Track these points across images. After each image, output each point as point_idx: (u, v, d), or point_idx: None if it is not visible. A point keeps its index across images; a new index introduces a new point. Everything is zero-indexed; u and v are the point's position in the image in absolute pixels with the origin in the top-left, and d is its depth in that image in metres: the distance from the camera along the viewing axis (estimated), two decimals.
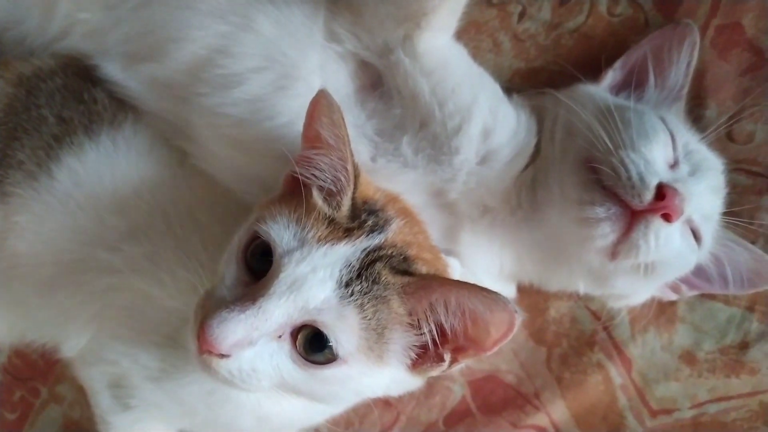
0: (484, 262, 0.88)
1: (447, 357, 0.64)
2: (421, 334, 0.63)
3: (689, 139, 0.85)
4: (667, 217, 0.73)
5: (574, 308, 0.99)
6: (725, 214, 0.88)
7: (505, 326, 0.60)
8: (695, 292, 0.90)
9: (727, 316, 0.96)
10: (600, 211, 0.74)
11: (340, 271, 0.61)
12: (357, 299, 0.60)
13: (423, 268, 0.65)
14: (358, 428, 0.97)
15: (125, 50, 0.85)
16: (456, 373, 0.99)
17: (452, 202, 0.82)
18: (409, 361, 0.65)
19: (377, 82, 0.84)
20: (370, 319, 0.61)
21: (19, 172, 0.84)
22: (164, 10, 0.83)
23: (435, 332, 0.63)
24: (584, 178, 0.78)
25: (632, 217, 0.74)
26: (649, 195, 0.73)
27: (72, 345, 0.84)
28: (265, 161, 0.81)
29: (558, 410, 0.99)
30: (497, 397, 1.00)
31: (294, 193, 0.67)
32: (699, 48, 0.93)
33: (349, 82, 0.83)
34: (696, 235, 0.80)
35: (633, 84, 0.92)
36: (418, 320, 0.63)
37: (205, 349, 0.60)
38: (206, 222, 0.82)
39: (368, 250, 0.63)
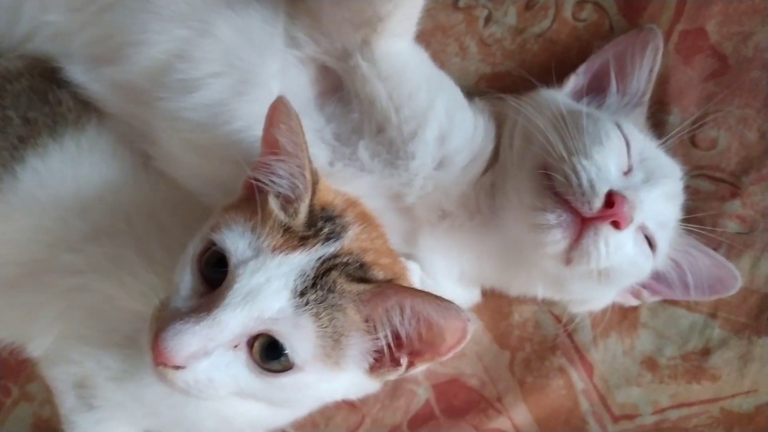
0: (445, 266, 0.88)
1: (403, 361, 0.65)
2: (378, 339, 0.64)
3: (645, 145, 0.85)
4: (616, 225, 0.73)
5: (538, 313, 0.99)
6: (687, 220, 0.89)
7: (458, 333, 0.61)
8: (657, 298, 0.91)
9: (690, 322, 0.96)
10: (551, 218, 0.75)
11: (295, 280, 0.61)
12: (312, 308, 0.61)
13: (380, 274, 0.65)
14: (324, 430, 0.97)
15: (89, 53, 0.86)
16: (420, 377, 1.00)
17: (410, 207, 0.83)
18: (366, 366, 0.66)
19: (338, 86, 0.84)
20: (326, 327, 0.61)
21: None
22: (126, 14, 0.83)
23: (390, 338, 0.64)
24: (538, 185, 0.79)
25: (582, 224, 0.75)
26: (598, 202, 0.74)
27: (37, 345, 0.84)
28: (224, 165, 0.82)
29: (520, 414, 0.99)
30: (460, 401, 1.00)
31: (251, 200, 0.68)
32: (663, 53, 0.94)
33: (309, 86, 0.83)
34: (651, 242, 0.81)
35: (595, 89, 0.93)
36: (374, 326, 0.64)
37: (160, 361, 0.60)
38: (169, 224, 0.83)
39: (324, 258, 0.63)
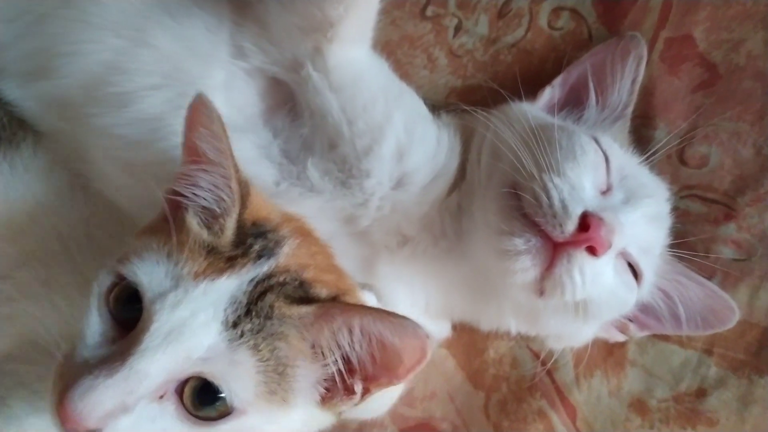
0: (407, 297, 0.84)
1: (358, 389, 0.61)
2: (327, 366, 0.61)
3: (627, 161, 0.82)
4: (592, 251, 0.69)
5: (515, 348, 0.95)
6: (677, 245, 0.86)
7: (417, 353, 0.58)
8: (646, 333, 0.88)
9: (682, 359, 0.91)
10: (518, 243, 0.71)
11: (225, 310, 0.57)
12: (249, 340, 0.56)
13: (323, 292, 0.61)
14: None
15: (22, 68, 0.85)
16: (387, 420, 0.94)
17: (365, 231, 0.80)
18: (318, 397, 0.62)
19: (287, 99, 0.82)
20: (267, 360, 0.57)
21: None
22: (59, 24, 0.82)
23: (341, 364, 0.60)
24: (505, 205, 0.75)
25: (554, 251, 0.71)
26: (571, 225, 0.69)
27: None
28: (159, 185, 0.78)
29: None
30: None
31: (167, 220, 0.63)
32: (647, 63, 0.92)
33: (258, 100, 0.81)
34: (634, 270, 0.77)
35: (572, 102, 0.92)
36: (322, 352, 0.60)
37: (70, 427, 0.55)
38: (106, 244, 0.79)
39: (257, 280, 0.59)
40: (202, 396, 0.57)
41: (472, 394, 0.95)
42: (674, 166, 0.93)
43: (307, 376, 0.60)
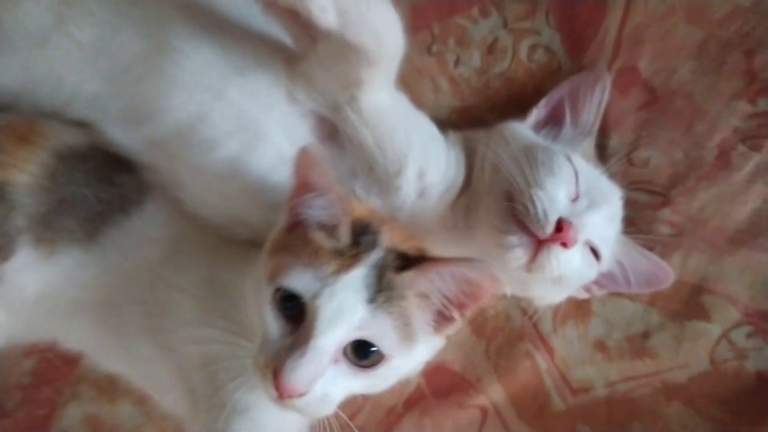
0: None
1: (457, 315, 0.72)
2: (434, 305, 0.71)
3: (591, 174, 0.91)
4: (564, 245, 0.81)
5: (508, 307, 1.06)
6: (629, 224, 0.95)
7: (491, 280, 0.68)
8: (605, 291, 0.97)
9: (632, 310, 1.03)
10: (513, 240, 0.83)
11: (363, 291, 0.67)
12: (383, 307, 0.67)
13: (414, 254, 0.72)
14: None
15: (123, 116, 0.90)
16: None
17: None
18: (431, 330, 0.72)
19: (333, 133, 0.89)
20: (397, 317, 0.67)
21: (68, 235, 0.88)
22: (154, 83, 0.87)
23: (443, 301, 0.70)
24: (504, 211, 0.86)
25: (538, 245, 0.82)
26: (550, 228, 0.81)
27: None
28: (249, 208, 0.88)
29: (496, 392, 1.06)
30: (446, 383, 1.07)
31: (295, 239, 0.73)
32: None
33: (310, 136, 0.88)
34: (596, 253, 0.88)
35: (553, 121, 0.99)
36: (428, 297, 0.70)
37: (287, 395, 0.65)
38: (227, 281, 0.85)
39: (376, 264, 0.69)
40: (359, 351, 0.67)
41: (476, 342, 1.07)
42: (625, 167, 1.02)
43: (422, 317, 0.70)
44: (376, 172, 0.88)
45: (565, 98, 1.00)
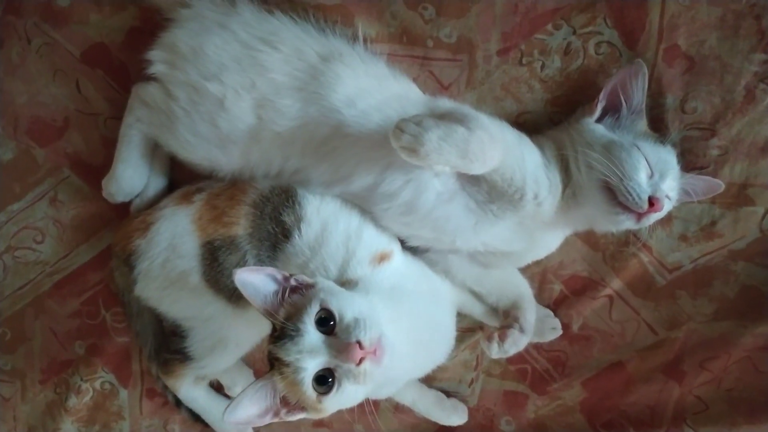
0: (559, 239, 1.29)
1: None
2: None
3: (653, 151, 1.11)
4: (656, 211, 1.07)
5: (617, 234, 1.28)
6: (689, 153, 1.20)
7: None
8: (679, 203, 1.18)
9: (700, 209, 1.27)
10: (622, 217, 1.10)
11: None
12: None
13: None
14: None
15: (322, 179, 1.14)
16: (552, 277, 1.35)
17: (527, 223, 1.18)
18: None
19: (474, 180, 1.12)
20: None
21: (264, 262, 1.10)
22: (343, 156, 1.11)
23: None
24: (607, 198, 1.10)
25: (639, 216, 1.09)
26: (645, 205, 1.07)
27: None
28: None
29: (616, 284, 1.32)
30: (579, 285, 1.35)
31: None
32: (655, 65, 1.19)
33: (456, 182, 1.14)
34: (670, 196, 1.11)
35: (611, 108, 1.17)
36: None
37: (363, 355, 0.90)
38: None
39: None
40: None
41: (595, 254, 1.35)
42: (679, 115, 1.23)
43: None
44: (506, 198, 1.13)
45: (618, 88, 1.16)
